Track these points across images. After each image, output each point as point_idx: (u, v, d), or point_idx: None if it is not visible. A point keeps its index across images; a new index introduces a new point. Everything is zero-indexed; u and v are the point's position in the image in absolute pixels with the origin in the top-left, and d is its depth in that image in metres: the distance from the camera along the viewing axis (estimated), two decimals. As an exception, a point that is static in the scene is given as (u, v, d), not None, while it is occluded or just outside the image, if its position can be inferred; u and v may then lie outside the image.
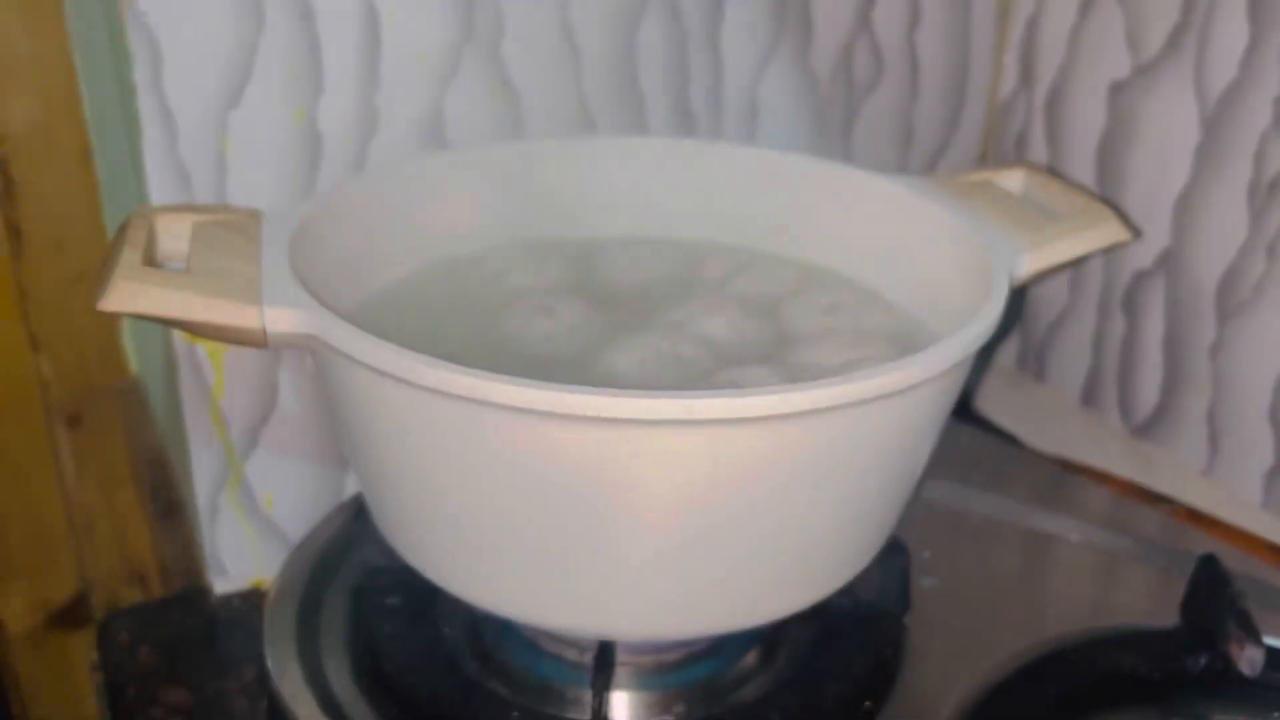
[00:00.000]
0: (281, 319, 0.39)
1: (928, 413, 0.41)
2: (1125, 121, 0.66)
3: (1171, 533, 0.59)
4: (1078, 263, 0.47)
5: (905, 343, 0.49)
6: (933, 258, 0.50)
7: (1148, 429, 0.68)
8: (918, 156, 0.73)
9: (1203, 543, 0.57)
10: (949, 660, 0.49)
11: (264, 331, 0.40)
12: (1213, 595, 0.49)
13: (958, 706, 0.47)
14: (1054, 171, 0.69)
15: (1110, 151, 0.67)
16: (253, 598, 0.60)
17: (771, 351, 0.49)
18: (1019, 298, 0.73)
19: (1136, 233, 0.61)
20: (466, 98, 0.58)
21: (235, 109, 0.53)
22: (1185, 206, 0.64)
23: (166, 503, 0.63)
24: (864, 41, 0.67)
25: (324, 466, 0.61)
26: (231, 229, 0.44)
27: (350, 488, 0.61)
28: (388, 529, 0.46)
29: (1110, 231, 0.47)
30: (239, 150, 0.53)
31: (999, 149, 0.75)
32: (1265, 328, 0.61)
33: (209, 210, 0.46)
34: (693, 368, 0.46)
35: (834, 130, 0.69)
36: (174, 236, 0.44)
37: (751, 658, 0.49)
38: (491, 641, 0.49)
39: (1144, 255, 0.66)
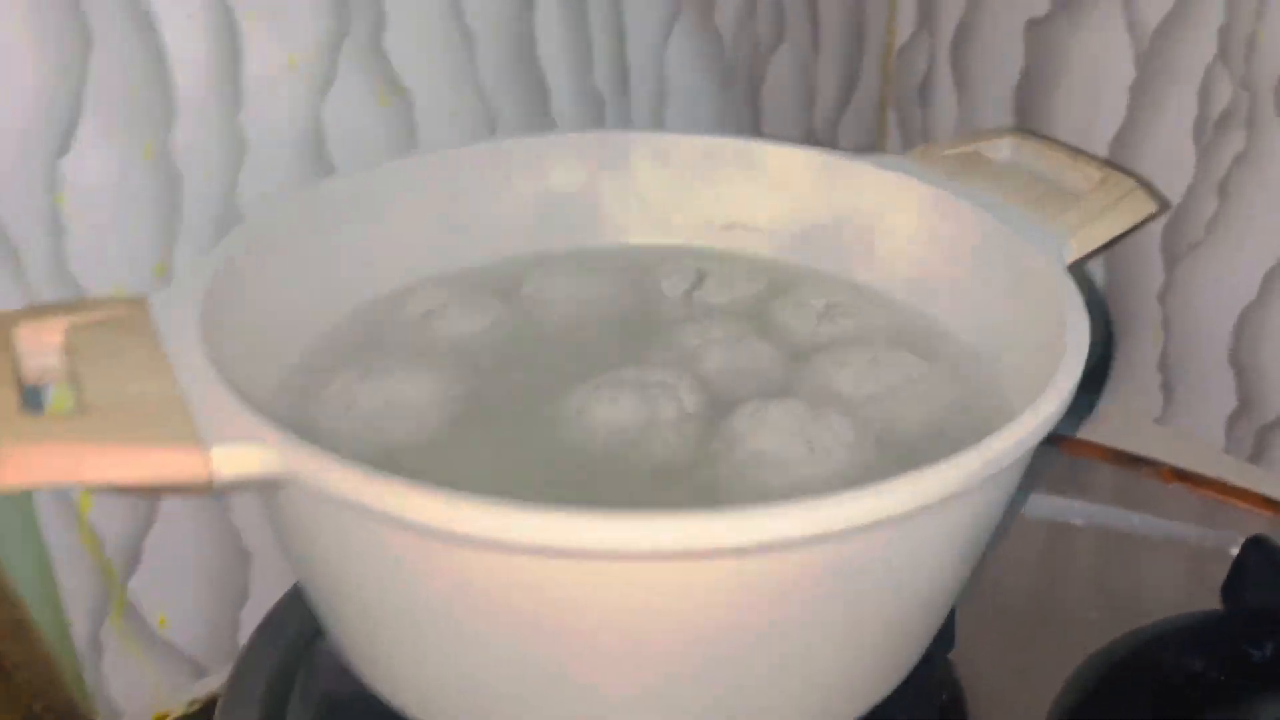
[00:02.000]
0: (237, 460, 0.29)
1: (1014, 478, 0.35)
2: (1046, 62, 0.62)
3: (1163, 499, 0.56)
4: (1110, 246, 0.42)
5: (923, 346, 0.43)
6: (942, 253, 0.44)
7: (1092, 380, 0.65)
8: (820, 113, 0.67)
9: (1199, 508, 0.55)
10: (1005, 693, 0.45)
11: (210, 480, 0.29)
12: (1268, 578, 0.45)
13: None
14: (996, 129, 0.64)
15: (1030, 94, 0.63)
16: (157, 737, 0.50)
17: (780, 378, 0.42)
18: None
19: (1166, 203, 0.57)
20: (349, 105, 0.48)
21: (66, 154, 0.41)
22: (1122, 147, 0.60)
23: (28, 645, 0.51)
24: (767, -5, 0.60)
25: (224, 565, 0.50)
26: (118, 330, 0.34)
27: (256, 587, 0.51)
28: (370, 670, 0.37)
29: (1141, 204, 0.42)
30: (76, 205, 0.42)
31: (901, 97, 0.69)
32: (1221, 268, 0.58)
33: (79, 308, 0.34)
34: (696, 422, 0.39)
35: (741, 94, 0.62)
36: (42, 352, 0.33)
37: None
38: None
39: (1080, 202, 0.62)
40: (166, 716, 0.50)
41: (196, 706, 0.51)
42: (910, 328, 0.45)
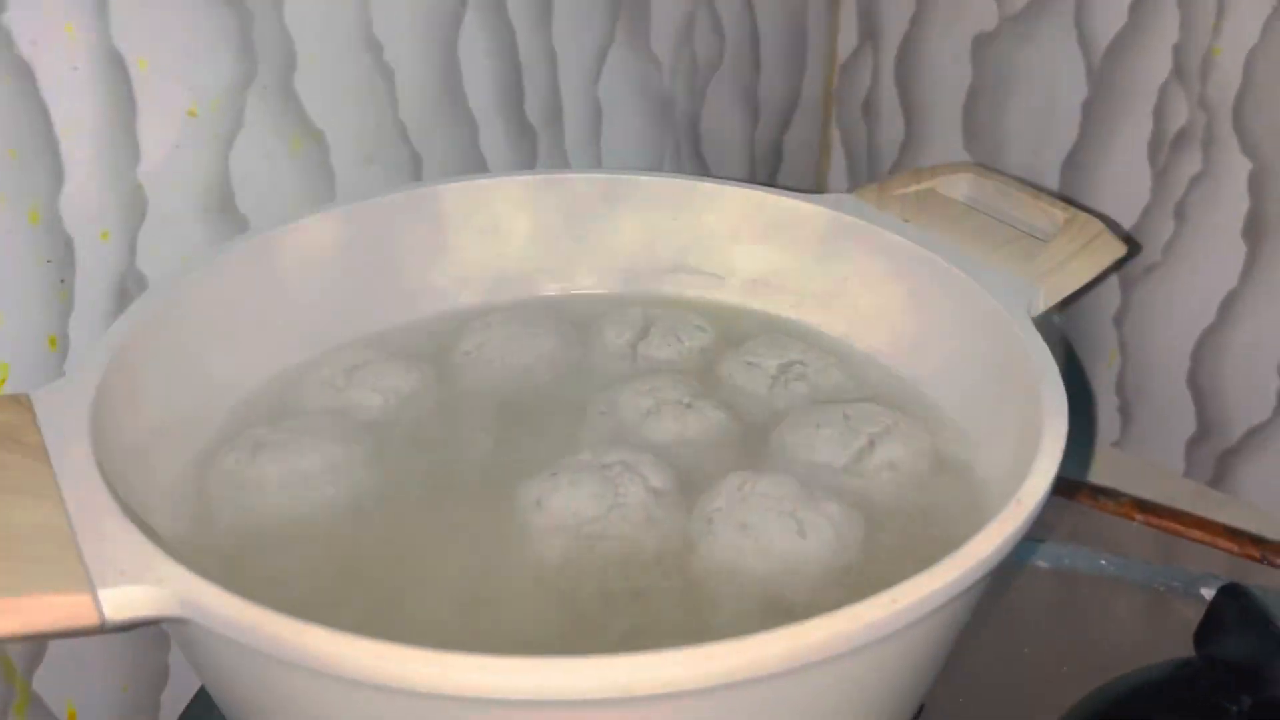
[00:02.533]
0: (130, 603, 0.26)
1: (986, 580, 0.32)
2: (995, 78, 0.60)
3: (1129, 536, 0.54)
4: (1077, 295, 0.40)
5: (884, 395, 0.40)
6: (900, 302, 0.41)
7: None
8: (762, 134, 0.64)
9: (1164, 544, 0.53)
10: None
11: (101, 624, 0.26)
12: (1244, 630, 0.43)
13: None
14: (992, 167, 0.62)
15: (979, 112, 0.61)
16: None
17: (745, 456, 0.39)
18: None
19: (1135, 246, 0.54)
20: (258, 152, 0.44)
21: (-62, 225, 0.37)
22: (1075, 168, 0.58)
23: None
24: (704, 14, 0.57)
25: (139, 649, 0.46)
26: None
27: (176, 669, 0.48)
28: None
29: (1110, 248, 0.40)
30: (-47, 281, 0.38)
31: (845, 115, 0.67)
32: (1179, 290, 0.56)
33: (-50, 413, 0.30)
34: (671, 512, 0.36)
35: (681, 119, 0.59)
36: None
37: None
38: None
39: (1033, 223, 0.60)
40: (81, 816, 0.46)
41: (114, 803, 0.47)
42: (866, 383, 0.42)
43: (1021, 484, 0.29)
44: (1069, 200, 0.44)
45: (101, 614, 0.26)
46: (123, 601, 0.26)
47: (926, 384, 0.41)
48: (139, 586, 0.26)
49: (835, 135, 0.67)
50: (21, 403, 0.32)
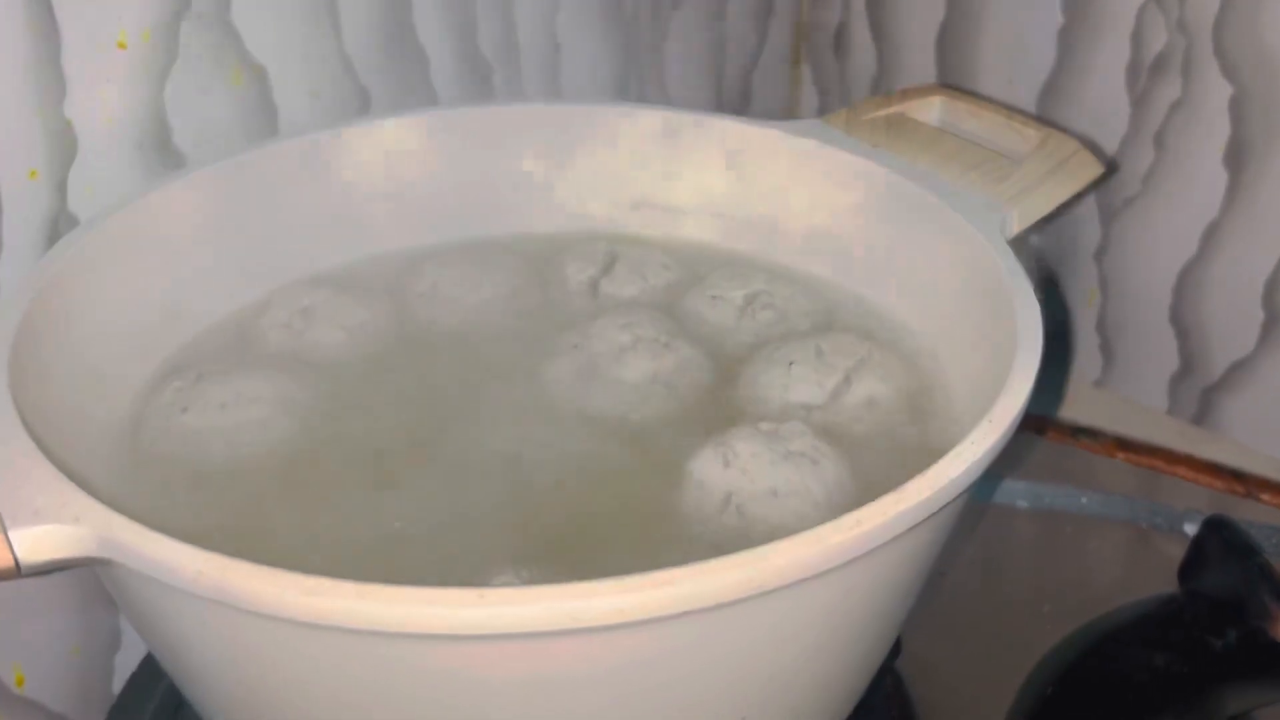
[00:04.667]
0: (46, 544, 0.24)
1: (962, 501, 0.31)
2: (969, 8, 0.58)
3: (1111, 474, 0.53)
4: (1053, 216, 0.38)
5: (855, 322, 0.39)
6: (870, 229, 0.40)
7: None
8: (730, 68, 0.62)
9: (1146, 481, 0.52)
10: (959, 700, 0.42)
11: (17, 567, 0.24)
12: (1227, 563, 0.42)
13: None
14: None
15: (953, 43, 0.59)
16: (23, 809, 0.44)
17: (714, 397, 0.37)
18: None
19: (1113, 165, 0.53)
20: (194, 86, 0.42)
21: None
22: (1051, 98, 0.56)
23: None
24: (667, -57, 0.55)
25: (89, 612, 0.45)
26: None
27: (129, 632, 0.46)
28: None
29: (1087, 167, 0.38)
30: None
31: (816, 49, 0.65)
32: (1159, 222, 0.55)
33: None
34: (643, 450, 0.34)
35: (644, 56, 0.57)
36: None
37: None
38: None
39: (1009, 156, 0.58)
40: (33, 783, 0.45)
41: (67, 769, 0.45)
42: (835, 310, 0.40)
43: (994, 404, 0.28)
44: (1046, 122, 0.42)
45: (15, 556, 0.24)
46: (37, 542, 0.24)
47: (898, 310, 0.39)
48: (55, 525, 0.24)
49: (806, 71, 0.65)
50: (-66, 341, 0.30)
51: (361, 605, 0.22)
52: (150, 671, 0.43)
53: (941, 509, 0.26)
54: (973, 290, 0.35)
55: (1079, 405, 0.58)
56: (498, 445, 0.35)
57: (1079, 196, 0.39)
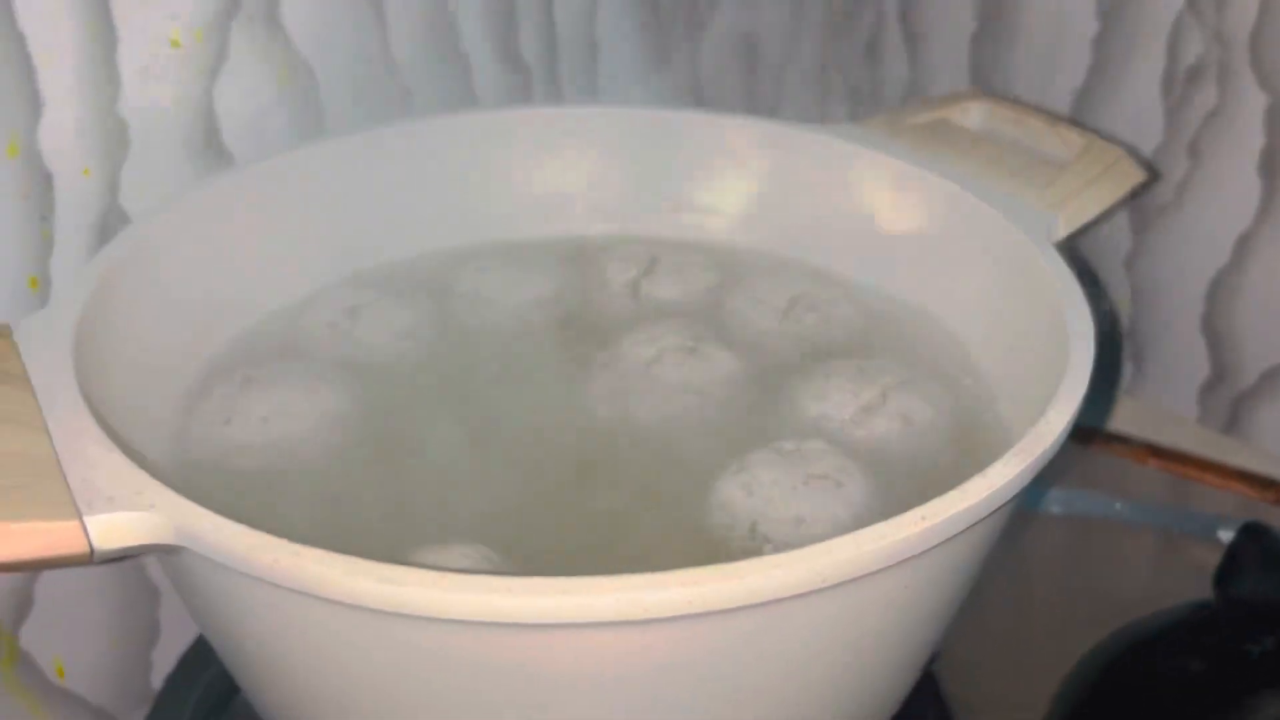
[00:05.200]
0: (119, 531, 0.25)
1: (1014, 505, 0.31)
2: (1002, 16, 0.58)
3: (1142, 482, 0.53)
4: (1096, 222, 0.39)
5: (900, 326, 0.39)
6: (915, 235, 0.40)
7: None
8: (763, 74, 0.62)
9: (1178, 488, 0.52)
10: (994, 703, 0.42)
11: (91, 553, 0.25)
12: (1264, 570, 0.42)
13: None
14: (1005, 97, 0.60)
15: (987, 50, 0.59)
16: (62, 799, 0.45)
17: (750, 406, 0.37)
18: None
19: (1155, 173, 0.53)
20: (243, 85, 0.42)
21: (-89, 156, 0.35)
22: (1085, 106, 0.56)
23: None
24: (704, -50, 0.56)
25: (128, 605, 0.45)
26: (-23, 369, 0.28)
27: (167, 625, 0.46)
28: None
29: (1129, 173, 0.39)
30: (-72, 215, 0.36)
31: (847, 55, 0.65)
32: (1192, 231, 0.55)
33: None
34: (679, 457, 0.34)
35: (679, 58, 0.57)
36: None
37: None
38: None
39: (1041, 164, 0.58)
40: (71, 775, 0.45)
41: (105, 761, 0.46)
42: (882, 317, 0.41)
43: (1047, 408, 0.28)
44: (1088, 129, 0.43)
45: (90, 542, 0.24)
46: (112, 529, 0.24)
47: (943, 316, 0.39)
48: (129, 513, 0.25)
49: (837, 78, 0.66)
50: (2, 332, 0.30)
51: (438, 593, 0.22)
52: (190, 668, 0.44)
53: (997, 510, 0.26)
54: (1019, 296, 0.36)
55: (1112, 414, 0.59)
56: (532, 447, 0.35)
57: (1121, 203, 0.39)
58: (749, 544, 0.31)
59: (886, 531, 0.24)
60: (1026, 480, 0.26)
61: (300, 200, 0.42)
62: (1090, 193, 0.38)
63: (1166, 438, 0.56)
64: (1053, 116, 0.42)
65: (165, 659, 0.46)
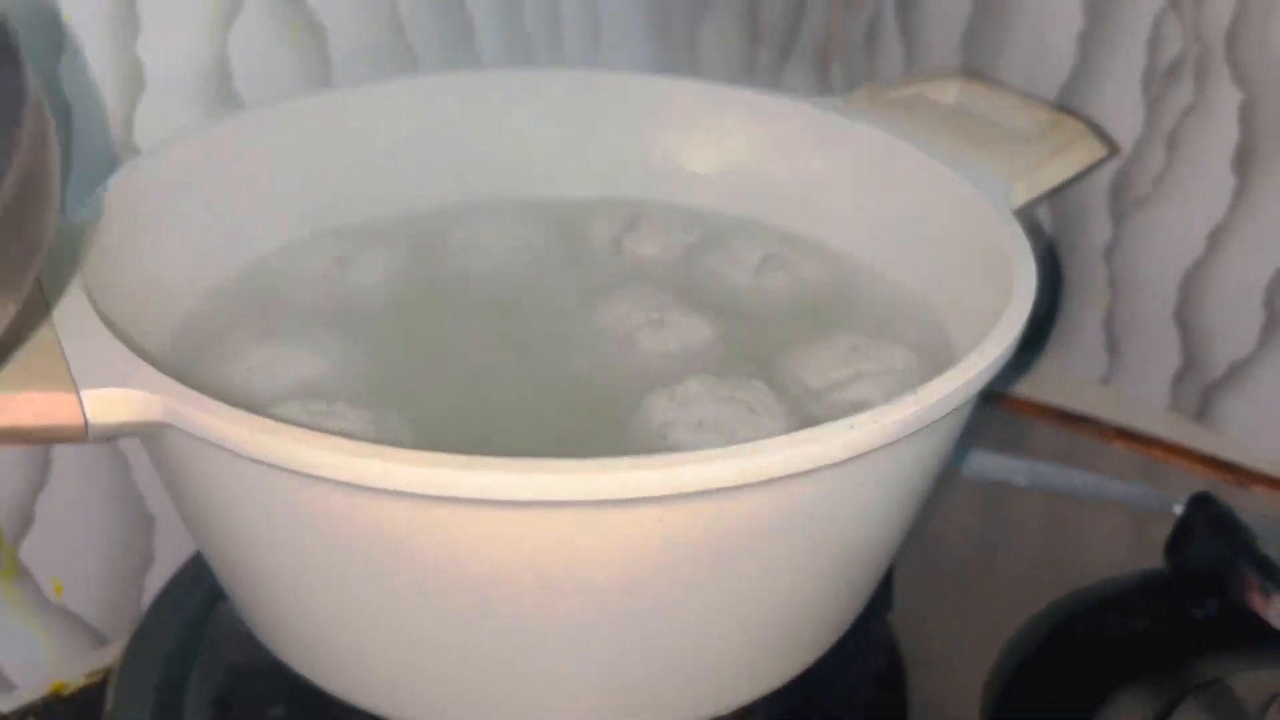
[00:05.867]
0: (113, 406, 0.27)
1: (966, 414, 0.33)
2: (995, 10, 0.60)
3: (1109, 462, 0.55)
4: (1057, 192, 0.40)
5: (865, 299, 0.41)
6: (884, 198, 0.42)
7: (1038, 335, 0.64)
8: (764, 59, 0.64)
9: (1144, 470, 0.54)
10: (945, 657, 0.43)
11: (86, 426, 0.27)
12: (1213, 537, 0.44)
13: (971, 715, 0.41)
14: (984, 77, 0.62)
15: (978, 42, 0.61)
16: (56, 708, 0.47)
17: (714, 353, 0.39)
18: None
19: (1115, 148, 0.55)
20: (256, 38, 0.44)
21: (-60, 80, 0.38)
22: (1070, 98, 0.58)
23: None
24: (707, -68, 0.58)
25: (125, 529, 0.47)
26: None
27: (162, 552, 0.48)
28: (269, 633, 0.35)
29: (1091, 148, 0.41)
30: (-46, 137, 0.38)
31: (847, 43, 0.67)
32: (1168, 223, 0.57)
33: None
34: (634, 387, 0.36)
35: (680, 35, 0.59)
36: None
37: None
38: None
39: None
40: (64, 688, 0.47)
41: (97, 678, 0.48)
42: (851, 280, 0.43)
43: (983, 340, 0.30)
44: (1058, 107, 0.45)
45: (85, 415, 0.26)
46: (106, 403, 0.27)
47: (906, 277, 0.41)
48: (123, 389, 0.27)
49: (836, 67, 0.68)
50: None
51: (409, 468, 0.24)
52: (176, 594, 0.45)
53: (924, 429, 0.28)
54: (976, 255, 0.38)
55: (1084, 400, 0.60)
56: (515, 370, 0.37)
57: (1084, 175, 0.41)
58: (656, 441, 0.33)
59: (819, 434, 0.26)
60: (969, 394, 0.28)
61: (305, 147, 0.44)
62: (1052, 163, 0.39)
63: (1137, 424, 0.58)
64: (1025, 95, 0.43)
65: (158, 585, 0.48)
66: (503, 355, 0.39)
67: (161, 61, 0.42)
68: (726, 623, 0.30)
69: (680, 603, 0.29)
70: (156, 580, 0.48)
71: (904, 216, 0.41)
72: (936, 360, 0.37)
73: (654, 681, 0.32)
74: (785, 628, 0.32)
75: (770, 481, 0.26)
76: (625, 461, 0.25)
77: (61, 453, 0.44)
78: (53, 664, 0.47)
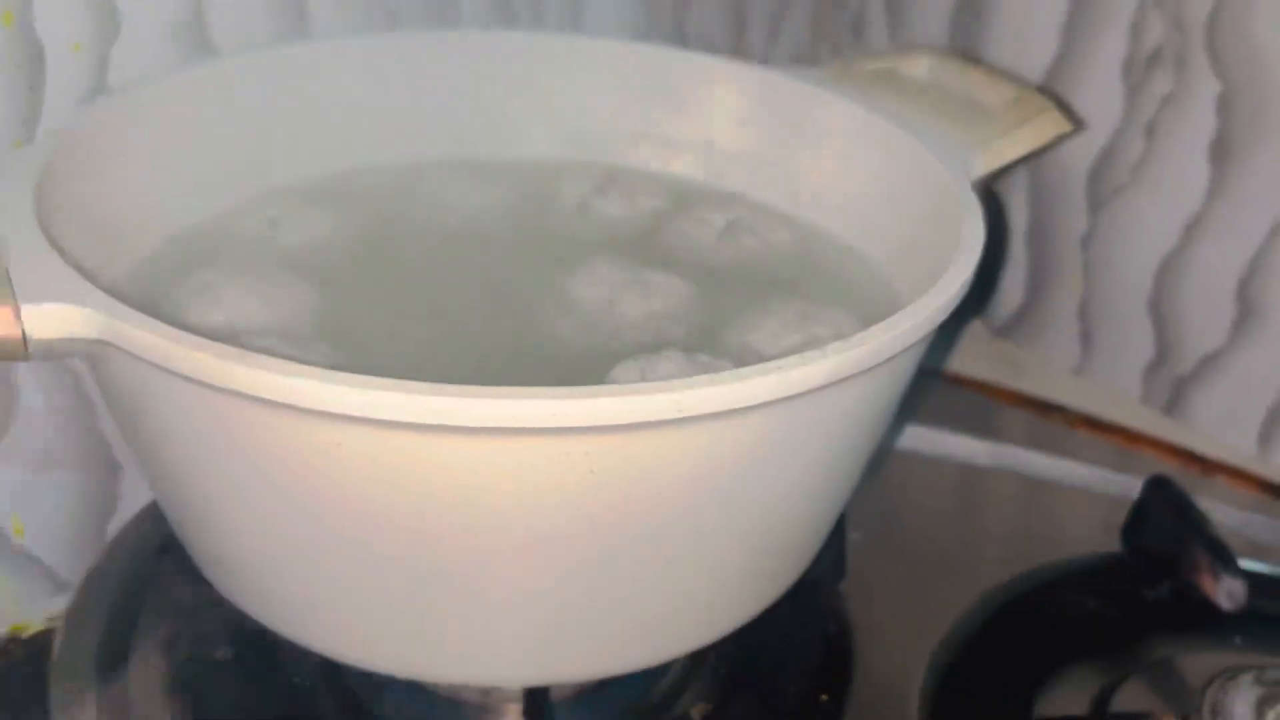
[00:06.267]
0: (53, 321, 0.27)
1: (905, 373, 0.33)
2: (979, -3, 0.60)
3: (1072, 444, 0.55)
4: (1019, 164, 0.41)
5: (826, 265, 0.41)
6: (848, 167, 0.42)
7: (1012, 329, 0.64)
8: (751, 39, 0.65)
9: (1111, 457, 0.54)
10: (895, 628, 0.43)
11: (24, 340, 0.27)
12: (1168, 519, 0.44)
13: (915, 685, 0.41)
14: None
15: (963, 30, 0.61)
16: (14, 650, 0.47)
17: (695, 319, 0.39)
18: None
19: (1080, 124, 0.55)
20: (234, -14, 0.45)
21: (-88, 12, 0.38)
22: (1052, 85, 0.58)
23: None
24: (695, -91, 0.58)
25: (89, 474, 0.47)
26: (-56, 187, 0.31)
27: (126, 499, 0.49)
28: (212, 568, 0.35)
29: (1054, 122, 0.41)
30: (-75, 70, 0.39)
31: (834, 28, 0.67)
32: (1144, 212, 0.57)
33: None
34: (586, 343, 0.37)
35: (665, 10, 0.60)
36: None
37: (679, 662, 0.41)
38: (363, 688, 0.39)
39: (1007, 142, 0.60)
40: (24, 630, 0.47)
41: (56, 622, 0.48)
42: (812, 246, 0.43)
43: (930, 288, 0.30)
44: (1027, 84, 0.45)
45: (23, 329, 0.27)
46: (46, 319, 0.27)
47: (867, 245, 0.41)
48: (63, 304, 0.27)
49: (823, 49, 0.68)
50: (-28, 163, 0.33)
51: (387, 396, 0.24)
52: (131, 538, 0.46)
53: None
54: (933, 222, 0.38)
55: (1056, 390, 0.60)
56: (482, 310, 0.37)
57: (1047, 149, 0.41)
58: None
59: (745, 373, 0.26)
60: (894, 348, 0.29)
61: (278, 98, 0.44)
62: (1014, 135, 0.40)
63: (1108, 414, 0.58)
64: (995, 71, 0.44)
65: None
66: (467, 303, 0.39)
67: (137, 6, 0.42)
68: (654, 568, 0.30)
69: (608, 545, 0.29)
70: (119, 527, 0.48)
71: (866, 184, 0.41)
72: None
73: (592, 627, 0.32)
74: (717, 577, 0.32)
75: (694, 419, 0.26)
76: (552, 390, 0.25)
77: (26, 395, 0.44)
78: (12, 605, 0.47)
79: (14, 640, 0.47)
